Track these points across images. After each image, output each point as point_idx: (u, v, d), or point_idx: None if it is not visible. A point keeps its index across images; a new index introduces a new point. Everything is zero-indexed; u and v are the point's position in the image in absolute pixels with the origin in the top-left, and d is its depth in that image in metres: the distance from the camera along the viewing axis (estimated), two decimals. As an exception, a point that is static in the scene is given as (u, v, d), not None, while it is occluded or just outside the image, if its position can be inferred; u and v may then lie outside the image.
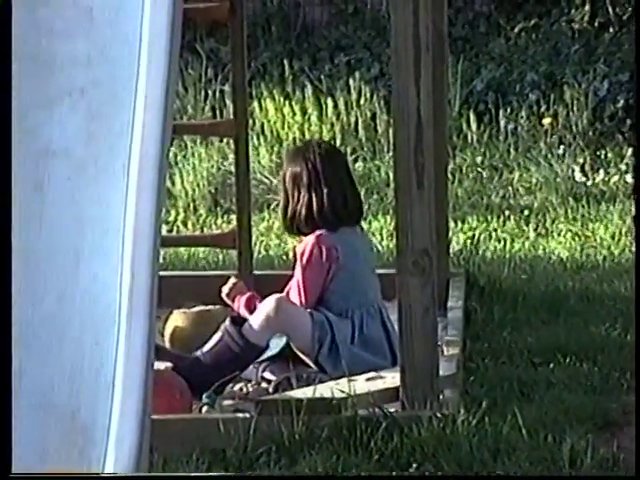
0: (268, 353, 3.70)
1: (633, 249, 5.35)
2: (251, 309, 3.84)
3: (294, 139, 7.00)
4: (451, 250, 4.75)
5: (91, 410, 1.95)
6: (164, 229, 5.96)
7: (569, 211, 6.14)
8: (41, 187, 2.03)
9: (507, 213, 6.12)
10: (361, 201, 3.97)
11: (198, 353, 3.74)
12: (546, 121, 6.94)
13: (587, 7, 7.55)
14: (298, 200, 3.83)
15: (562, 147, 6.83)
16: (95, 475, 1.89)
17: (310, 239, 3.81)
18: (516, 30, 7.56)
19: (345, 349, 3.72)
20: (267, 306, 3.72)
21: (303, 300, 3.77)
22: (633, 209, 4.95)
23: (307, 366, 3.73)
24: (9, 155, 2.02)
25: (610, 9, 7.46)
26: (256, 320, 3.71)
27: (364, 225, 6.10)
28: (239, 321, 3.75)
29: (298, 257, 3.83)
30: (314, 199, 3.80)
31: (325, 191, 3.80)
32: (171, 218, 6.34)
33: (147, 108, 2.07)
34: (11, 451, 1.92)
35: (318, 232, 3.81)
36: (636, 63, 6.20)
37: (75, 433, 1.95)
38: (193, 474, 3.08)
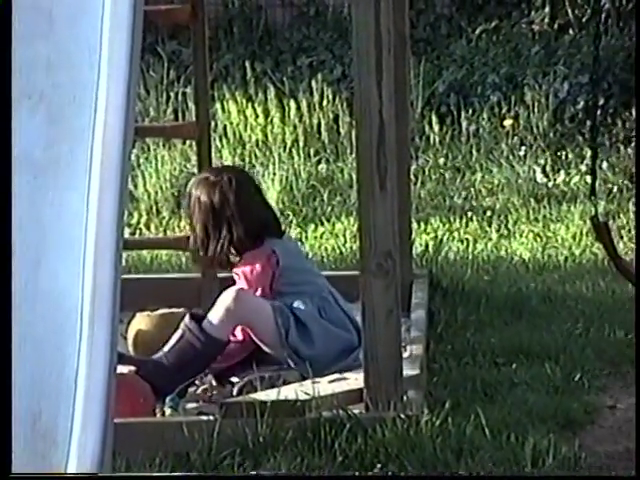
0: None
1: (594, 249, 5.39)
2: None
3: (257, 141, 7.00)
4: (414, 251, 4.76)
5: (53, 415, 1.94)
6: (126, 232, 5.93)
7: (531, 212, 6.17)
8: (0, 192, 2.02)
9: (469, 214, 6.15)
10: (275, 215, 3.94)
11: (160, 354, 3.72)
12: (507, 123, 6.98)
13: (547, 9, 7.60)
14: (208, 235, 3.76)
15: (523, 148, 6.87)
16: (95, 475, 1.88)
17: (248, 260, 3.76)
18: (477, 32, 7.59)
19: (314, 324, 3.72)
20: (226, 298, 3.70)
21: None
22: (593, 209, 4.98)
23: (271, 364, 3.72)
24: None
25: (570, 11, 7.51)
26: (216, 314, 3.69)
27: (328, 227, 6.14)
28: (198, 317, 3.74)
29: (243, 278, 3.77)
30: (239, 227, 3.75)
31: (239, 222, 3.75)
32: (133, 221, 6.31)
33: (108, 111, 2.06)
34: (11, 451, 1.90)
35: (250, 253, 3.77)
36: (636, 59, 6.20)
37: (37, 438, 1.94)
38: (183, 474, 3.07)
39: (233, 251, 3.80)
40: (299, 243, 4.54)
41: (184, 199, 3.89)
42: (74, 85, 2.08)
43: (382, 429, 3.25)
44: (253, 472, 3.19)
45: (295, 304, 3.75)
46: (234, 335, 3.73)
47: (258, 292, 3.77)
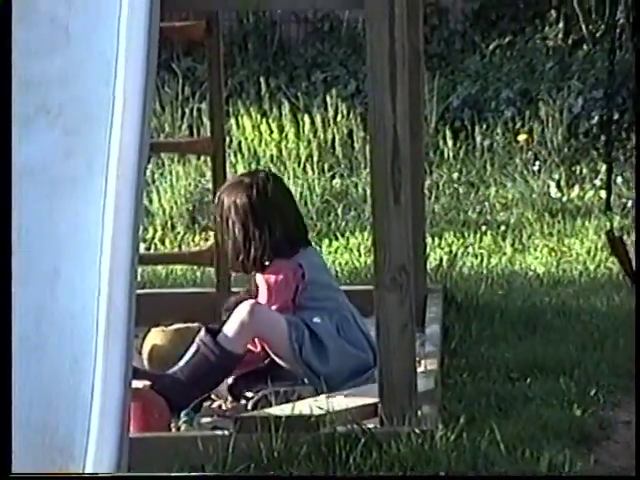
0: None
1: (608, 264, 5.38)
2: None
3: (271, 156, 7.01)
4: (428, 266, 4.76)
5: (69, 429, 1.94)
6: (142, 247, 5.95)
7: (545, 226, 6.17)
8: (18, 205, 2.03)
9: (484, 229, 6.15)
10: (304, 221, 3.92)
11: (175, 369, 3.73)
12: (521, 137, 6.98)
13: (561, 25, 7.60)
14: (248, 237, 3.74)
15: (537, 163, 6.87)
16: (95, 475, 1.89)
17: (275, 269, 3.76)
18: (491, 47, 7.60)
19: (331, 341, 3.71)
20: (241, 312, 3.69)
21: (273, 307, 3.75)
22: (608, 224, 4.98)
23: (286, 379, 3.73)
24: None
25: (583, 26, 7.52)
26: (231, 327, 3.70)
27: (342, 241, 6.14)
28: (214, 331, 3.74)
29: (265, 287, 3.77)
30: (279, 228, 3.74)
31: (278, 222, 3.75)
32: (149, 236, 6.33)
33: (124, 126, 2.07)
34: (11, 451, 1.91)
35: (280, 260, 3.77)
36: (636, 75, 6.20)
37: (53, 451, 1.94)
38: (184, 474, 3.07)
39: (263, 258, 3.76)
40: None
41: (215, 209, 3.84)
42: (90, 100, 2.09)
43: (397, 444, 3.25)
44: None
45: (314, 319, 3.75)
46: (251, 345, 3.73)
47: (277, 304, 3.76)
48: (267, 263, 3.77)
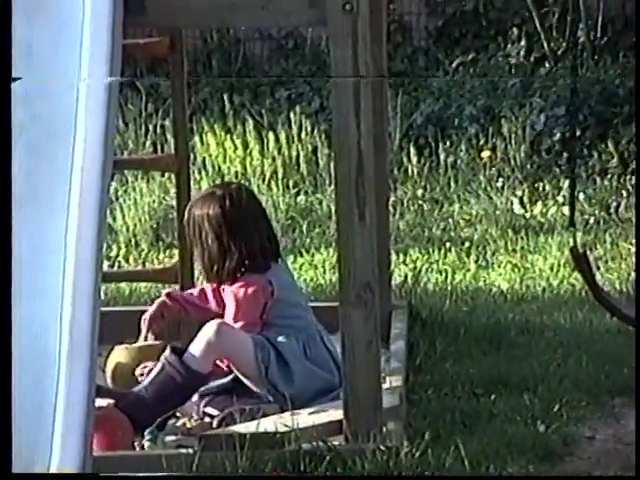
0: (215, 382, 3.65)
1: (571, 280, 5.41)
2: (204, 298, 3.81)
3: (236, 173, 7.01)
4: (393, 282, 4.77)
5: (32, 448, 1.93)
6: (105, 264, 5.92)
7: (509, 243, 6.20)
8: (-20, 224, 2.01)
9: (448, 245, 6.17)
10: (275, 234, 3.92)
11: (139, 387, 3.71)
12: (485, 154, 7.02)
13: (523, 42, 7.66)
14: (222, 248, 3.73)
15: (501, 180, 6.91)
16: (95, 475, 1.87)
17: (245, 283, 3.77)
18: (454, 65, 7.65)
19: (296, 363, 3.70)
20: (207, 331, 3.68)
21: (239, 326, 3.75)
22: (571, 240, 5.00)
23: (251, 397, 3.71)
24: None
25: (545, 44, 7.58)
26: (197, 346, 3.68)
27: (307, 258, 6.14)
28: (179, 350, 3.72)
29: (234, 302, 3.77)
30: (238, 244, 3.72)
31: (251, 234, 3.75)
32: (113, 253, 6.30)
33: (87, 143, 2.06)
34: (11, 451, 1.88)
35: (251, 274, 3.77)
36: (635, 79, 6.22)
37: (16, 470, 1.92)
38: (181, 474, 3.04)
39: (235, 269, 3.73)
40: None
41: (187, 221, 3.82)
42: (53, 118, 2.08)
43: (362, 461, 3.24)
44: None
45: (280, 338, 3.74)
46: (216, 365, 3.72)
47: (244, 320, 3.75)
48: (238, 275, 3.77)
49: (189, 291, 4.02)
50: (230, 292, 3.79)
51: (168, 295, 3.94)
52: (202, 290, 3.94)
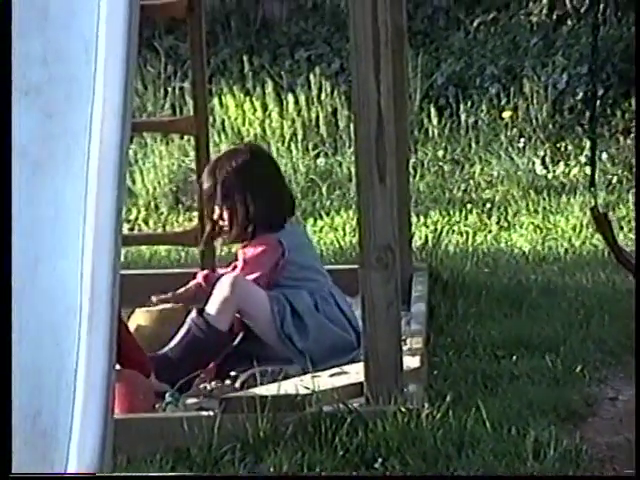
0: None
1: (594, 241, 5.38)
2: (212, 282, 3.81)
3: (255, 135, 6.99)
4: (414, 244, 4.75)
5: (53, 412, 1.93)
6: (125, 228, 5.93)
7: (530, 204, 6.16)
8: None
9: (469, 207, 6.15)
10: (292, 193, 3.97)
11: (166, 349, 3.72)
12: (506, 114, 6.97)
13: (545, 0, 7.58)
14: (235, 207, 3.75)
15: (522, 140, 6.86)
16: (95, 475, 1.87)
17: (256, 242, 3.77)
18: (475, 24, 7.58)
19: (310, 317, 3.71)
20: (223, 287, 3.69)
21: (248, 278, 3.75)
22: (593, 201, 4.97)
23: (270, 360, 3.72)
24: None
25: (568, 2, 7.50)
26: (214, 304, 3.69)
27: (327, 220, 6.13)
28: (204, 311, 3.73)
29: (242, 258, 3.77)
30: (253, 204, 3.75)
31: (264, 194, 3.76)
32: (132, 217, 6.31)
33: (105, 106, 2.05)
34: (11, 451, 1.89)
35: (263, 234, 3.77)
36: (636, 51, 6.17)
37: (37, 436, 1.93)
38: (182, 473, 3.07)
39: (248, 229, 3.75)
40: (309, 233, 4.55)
41: (208, 178, 3.85)
42: (70, 80, 2.06)
43: (383, 423, 3.25)
44: (254, 467, 3.18)
45: (292, 294, 3.74)
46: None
47: (254, 275, 3.75)
48: (250, 234, 3.78)
49: (222, 271, 4.00)
50: (241, 251, 3.80)
51: (205, 277, 3.93)
52: (234, 268, 3.93)
